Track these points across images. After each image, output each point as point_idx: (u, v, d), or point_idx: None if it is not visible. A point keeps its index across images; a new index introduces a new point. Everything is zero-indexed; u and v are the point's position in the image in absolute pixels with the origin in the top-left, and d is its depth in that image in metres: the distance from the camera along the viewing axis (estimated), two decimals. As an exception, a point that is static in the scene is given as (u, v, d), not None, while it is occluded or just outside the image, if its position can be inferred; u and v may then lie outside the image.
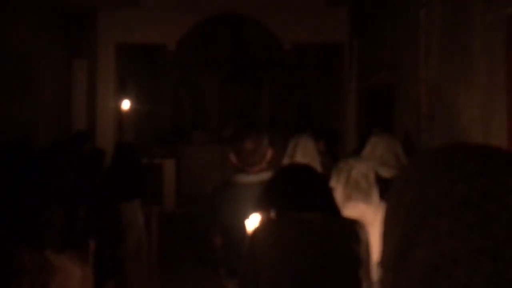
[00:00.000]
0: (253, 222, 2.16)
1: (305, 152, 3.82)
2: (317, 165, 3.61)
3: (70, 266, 2.09)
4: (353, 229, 1.99)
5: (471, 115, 3.67)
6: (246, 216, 2.25)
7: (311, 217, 1.96)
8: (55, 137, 6.04)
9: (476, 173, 0.62)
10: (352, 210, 2.52)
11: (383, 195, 2.71)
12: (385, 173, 3.02)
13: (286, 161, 3.81)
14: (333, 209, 2.05)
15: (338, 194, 2.55)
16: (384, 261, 0.68)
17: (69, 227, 2.21)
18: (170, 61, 12.08)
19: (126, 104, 9.85)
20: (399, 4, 5.64)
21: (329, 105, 10.93)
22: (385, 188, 2.72)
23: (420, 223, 0.62)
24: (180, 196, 10.81)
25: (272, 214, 2.03)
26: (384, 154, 3.26)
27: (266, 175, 2.46)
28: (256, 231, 2.00)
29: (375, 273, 2.16)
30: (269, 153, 2.63)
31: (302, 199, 1.99)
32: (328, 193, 2.10)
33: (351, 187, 2.65)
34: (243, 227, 2.25)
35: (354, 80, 7.80)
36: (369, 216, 2.59)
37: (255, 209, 2.16)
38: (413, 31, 4.88)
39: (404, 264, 0.62)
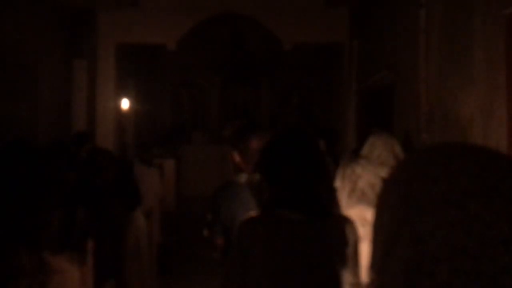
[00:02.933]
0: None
1: None
2: None
3: (69, 267, 2.09)
4: (341, 229, 1.98)
5: (471, 115, 3.67)
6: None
7: (299, 217, 1.94)
8: (55, 137, 6.03)
9: (458, 171, 0.61)
10: (353, 211, 2.52)
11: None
12: (384, 173, 3.01)
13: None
14: (325, 206, 2.01)
15: (341, 201, 2.53)
16: (373, 263, 0.68)
17: (67, 228, 2.21)
18: (170, 61, 12.07)
19: (126, 104, 9.85)
20: (399, 4, 5.64)
21: (329, 105, 10.93)
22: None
23: (402, 222, 0.62)
24: (180, 196, 10.82)
25: (261, 211, 2.02)
26: (383, 154, 3.25)
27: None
28: (244, 226, 1.99)
29: (366, 275, 2.15)
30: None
31: (293, 196, 1.96)
32: (323, 184, 2.04)
33: (357, 197, 2.64)
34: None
35: (354, 80, 7.80)
36: (371, 216, 2.58)
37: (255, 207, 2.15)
38: (413, 31, 4.88)
39: (388, 264, 0.62)
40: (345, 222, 2.02)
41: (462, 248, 0.57)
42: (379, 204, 0.69)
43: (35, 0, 6.73)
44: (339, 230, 1.97)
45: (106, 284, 3.92)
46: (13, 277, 1.90)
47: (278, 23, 8.63)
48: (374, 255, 0.68)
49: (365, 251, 2.10)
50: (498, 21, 3.28)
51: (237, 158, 2.71)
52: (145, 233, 5.30)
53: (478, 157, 0.63)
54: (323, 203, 1.99)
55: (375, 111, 6.66)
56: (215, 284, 2.83)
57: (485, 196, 0.59)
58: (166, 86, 13.20)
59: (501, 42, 3.22)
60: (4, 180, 2.12)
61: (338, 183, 2.66)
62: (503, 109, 3.19)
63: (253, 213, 2.04)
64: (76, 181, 3.88)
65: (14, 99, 6.02)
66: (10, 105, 5.89)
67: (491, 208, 0.58)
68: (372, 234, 0.69)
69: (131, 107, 10.25)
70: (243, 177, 2.67)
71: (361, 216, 2.49)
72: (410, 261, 0.59)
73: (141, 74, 11.48)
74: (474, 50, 3.63)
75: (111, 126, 8.57)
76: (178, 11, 8.44)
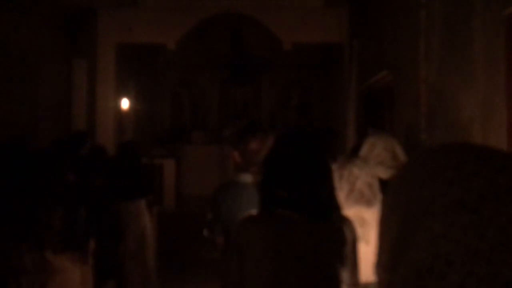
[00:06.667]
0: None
1: None
2: None
3: (70, 266, 2.10)
4: (340, 229, 1.98)
5: (471, 115, 3.67)
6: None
7: (297, 217, 1.94)
8: (55, 137, 6.04)
9: (472, 174, 0.61)
10: (350, 211, 2.51)
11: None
12: (382, 173, 3.00)
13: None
14: (325, 206, 2.01)
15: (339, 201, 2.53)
16: (381, 262, 0.68)
17: (69, 227, 2.22)
18: (170, 61, 12.07)
19: (125, 104, 9.85)
20: (399, 4, 5.64)
21: (329, 104, 10.94)
22: (382, 188, 2.71)
23: (415, 224, 0.61)
24: (180, 196, 10.82)
25: (259, 211, 2.02)
26: (382, 153, 3.25)
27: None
28: (242, 225, 1.99)
29: (366, 273, 2.15)
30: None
31: (292, 196, 1.96)
32: (324, 184, 2.03)
33: (355, 198, 2.63)
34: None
35: (354, 80, 7.80)
36: (369, 216, 2.58)
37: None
38: (413, 31, 4.88)
39: (399, 265, 0.62)
40: (344, 221, 2.02)
41: (475, 251, 0.57)
42: (388, 203, 0.68)
43: (35, 0, 6.73)
44: (338, 229, 1.97)
45: (106, 284, 3.92)
46: (14, 276, 1.90)
47: (278, 23, 8.64)
48: (381, 253, 0.68)
49: (363, 251, 2.10)
50: (498, 21, 3.28)
51: (237, 158, 2.72)
52: (146, 233, 5.30)
53: (491, 160, 0.63)
54: (323, 203, 2.00)
55: (375, 111, 6.66)
56: (215, 284, 2.84)
57: (498, 199, 0.58)
58: (166, 86, 13.20)
59: (501, 42, 3.22)
60: (5, 180, 2.12)
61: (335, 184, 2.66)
62: (503, 109, 3.20)
63: (252, 212, 2.04)
64: (76, 181, 3.89)
65: (14, 99, 6.02)
66: (10, 105, 5.89)
67: (504, 212, 0.58)
68: (379, 232, 0.69)
69: (131, 107, 10.25)
70: (243, 177, 2.67)
71: (359, 217, 2.49)
72: (423, 263, 0.59)
73: (141, 74, 11.48)
74: (474, 50, 3.63)
75: (111, 126, 8.58)
76: (178, 11, 8.45)
